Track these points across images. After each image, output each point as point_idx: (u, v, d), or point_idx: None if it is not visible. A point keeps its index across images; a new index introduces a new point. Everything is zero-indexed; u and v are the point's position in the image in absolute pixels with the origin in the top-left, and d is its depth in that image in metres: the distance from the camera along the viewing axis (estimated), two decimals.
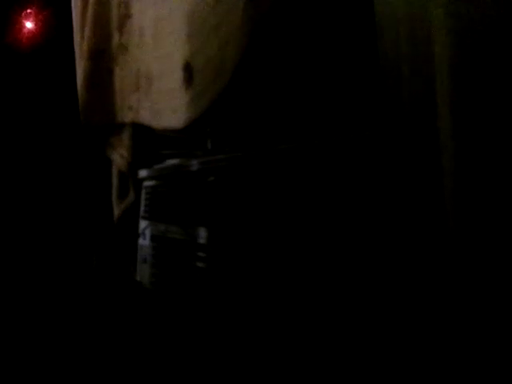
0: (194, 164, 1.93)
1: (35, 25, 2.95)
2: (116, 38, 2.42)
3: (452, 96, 1.12)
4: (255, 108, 1.84)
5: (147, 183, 2.31)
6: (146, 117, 2.30)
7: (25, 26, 2.95)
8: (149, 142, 2.38)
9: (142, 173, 2.34)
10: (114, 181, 2.52)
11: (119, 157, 2.46)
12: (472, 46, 1.10)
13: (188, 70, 1.98)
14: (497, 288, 1.05)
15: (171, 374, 1.66)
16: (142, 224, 2.30)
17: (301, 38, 1.69)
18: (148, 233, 2.24)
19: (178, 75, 2.03)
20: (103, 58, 2.45)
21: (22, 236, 2.75)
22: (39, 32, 2.94)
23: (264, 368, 1.46)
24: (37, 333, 2.02)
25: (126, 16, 2.37)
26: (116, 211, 2.49)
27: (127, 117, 2.41)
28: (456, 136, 1.11)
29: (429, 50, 1.17)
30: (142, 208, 2.32)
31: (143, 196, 2.32)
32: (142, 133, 2.38)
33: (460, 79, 1.11)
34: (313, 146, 1.46)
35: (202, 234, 1.82)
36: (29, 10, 2.94)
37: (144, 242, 2.26)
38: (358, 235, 1.32)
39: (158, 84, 2.20)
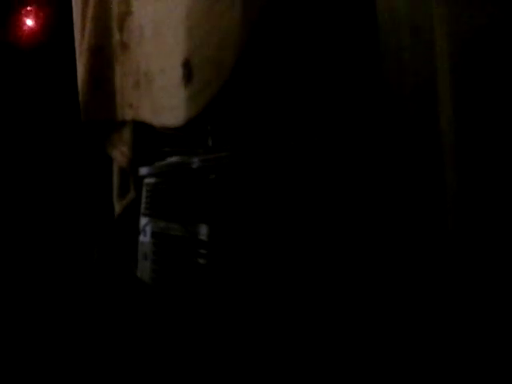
0: (195, 161, 1.94)
1: (35, 22, 2.95)
2: (116, 36, 2.42)
3: (453, 84, 1.12)
4: (256, 105, 1.85)
5: (148, 180, 2.32)
6: (146, 114, 2.30)
7: (25, 24, 2.95)
8: (150, 139, 2.39)
9: (143, 170, 2.34)
10: (115, 178, 2.53)
11: (120, 154, 2.46)
12: (472, 33, 1.10)
13: (187, 67, 1.99)
14: (497, 281, 1.06)
15: (171, 370, 1.67)
16: (143, 221, 2.30)
17: (301, 32, 1.70)
18: (149, 229, 2.25)
19: (177, 72, 2.04)
20: (104, 55, 2.46)
21: (23, 232, 2.75)
22: (39, 29, 2.94)
23: (264, 365, 1.47)
24: (37, 329, 2.03)
25: (126, 13, 2.37)
26: (117, 208, 2.50)
27: (128, 114, 2.42)
28: (457, 128, 1.12)
29: (430, 38, 1.17)
30: (143, 205, 2.32)
31: (144, 193, 2.33)
32: (142, 130, 2.39)
33: (461, 66, 1.12)
34: (314, 143, 1.47)
35: (203, 231, 1.83)
36: (29, 8, 2.93)
37: (145, 238, 2.27)
38: (360, 229, 1.33)
39: (157, 81, 2.21)
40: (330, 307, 1.37)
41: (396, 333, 1.21)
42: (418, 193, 1.20)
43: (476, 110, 1.10)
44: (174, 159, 2.16)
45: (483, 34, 1.07)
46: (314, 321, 1.40)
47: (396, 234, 1.23)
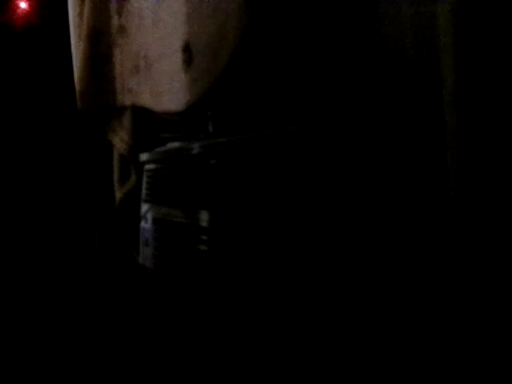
0: (196, 147, 1.93)
1: (29, 5, 2.91)
2: (115, 20, 2.39)
3: (456, 67, 1.10)
4: (257, 90, 1.83)
5: (148, 166, 2.31)
6: (146, 100, 2.29)
7: (19, 6, 2.91)
8: (150, 125, 2.37)
9: (143, 156, 2.34)
10: (115, 164, 2.52)
11: (120, 140, 2.45)
12: (476, 14, 1.08)
13: (187, 51, 1.97)
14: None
15: (173, 356, 1.68)
16: (144, 207, 2.30)
17: (302, 16, 1.67)
18: (150, 216, 2.24)
19: (177, 57, 2.02)
20: (103, 40, 2.43)
21: (24, 220, 2.76)
22: (33, 12, 2.90)
23: (264, 357, 1.47)
24: (39, 315, 2.04)
25: None
26: (117, 195, 2.49)
27: (127, 100, 2.40)
28: (461, 124, 1.10)
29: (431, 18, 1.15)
30: (144, 191, 2.32)
31: (144, 179, 2.32)
32: (142, 116, 2.38)
33: (463, 44, 1.09)
34: (317, 128, 1.45)
35: (204, 217, 1.83)
36: None
37: (146, 225, 2.27)
38: (362, 218, 1.32)
39: (157, 66, 2.18)
40: (330, 292, 1.36)
41: (396, 331, 1.21)
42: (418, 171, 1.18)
43: (480, 62, 1.07)
44: (174, 145, 2.15)
45: None
46: (314, 306, 1.39)
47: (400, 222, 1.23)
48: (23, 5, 2.87)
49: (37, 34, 2.83)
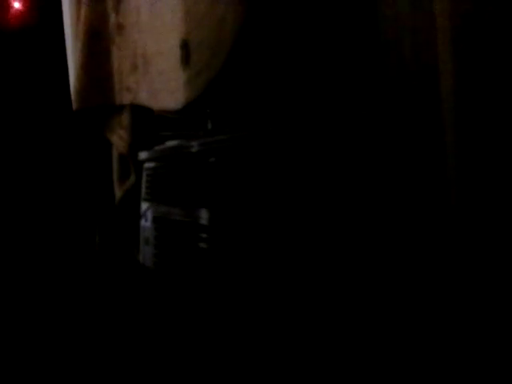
0: (195, 145, 1.92)
1: (23, 5, 2.89)
2: (112, 18, 2.39)
3: (454, 63, 1.10)
4: (256, 88, 1.82)
5: (148, 165, 2.30)
6: (144, 98, 2.28)
7: (12, 6, 2.89)
8: (149, 123, 2.37)
9: (143, 154, 2.33)
10: (115, 163, 2.51)
11: (119, 139, 2.45)
12: (474, 15, 1.07)
13: (185, 49, 1.96)
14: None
15: (173, 354, 1.68)
16: (144, 206, 2.30)
17: (298, 13, 1.67)
18: (150, 214, 2.24)
19: (174, 54, 2.01)
20: (100, 38, 2.43)
21: (24, 220, 2.75)
22: (27, 12, 2.88)
23: (264, 356, 1.46)
24: (39, 314, 2.04)
25: None
26: (117, 193, 2.49)
27: (126, 98, 2.39)
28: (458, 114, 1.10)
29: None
30: (143, 190, 2.31)
31: (144, 178, 2.31)
32: (141, 114, 2.37)
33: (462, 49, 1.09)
34: (314, 126, 1.45)
35: (204, 215, 1.82)
36: None
37: (146, 223, 2.26)
38: (362, 212, 1.32)
39: (155, 64, 2.18)
40: (329, 288, 1.36)
41: (397, 329, 1.20)
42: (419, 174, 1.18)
43: (478, 73, 1.07)
44: (173, 143, 2.14)
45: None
46: (312, 304, 1.39)
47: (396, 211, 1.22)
48: (17, 5, 2.85)
49: (31, 33, 2.81)
